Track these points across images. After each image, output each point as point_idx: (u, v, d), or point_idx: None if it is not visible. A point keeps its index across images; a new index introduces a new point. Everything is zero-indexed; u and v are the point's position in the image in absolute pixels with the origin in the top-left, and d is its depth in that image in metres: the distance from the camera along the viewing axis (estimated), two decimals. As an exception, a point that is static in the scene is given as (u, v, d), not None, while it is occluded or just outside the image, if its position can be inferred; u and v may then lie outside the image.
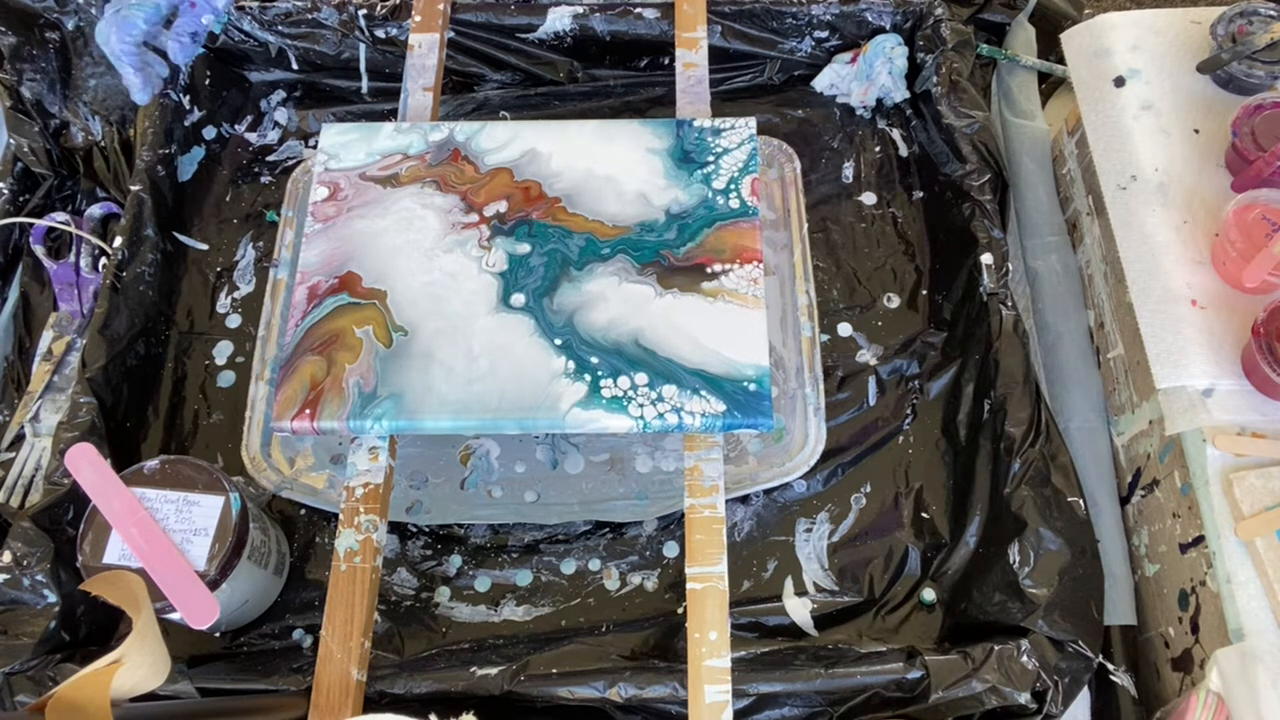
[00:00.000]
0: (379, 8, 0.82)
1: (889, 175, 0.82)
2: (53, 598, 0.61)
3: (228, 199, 0.82)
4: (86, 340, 0.69)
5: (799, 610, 0.65)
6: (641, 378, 0.60)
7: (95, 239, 0.79)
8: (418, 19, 0.79)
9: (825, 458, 0.68)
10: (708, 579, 0.57)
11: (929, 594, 0.66)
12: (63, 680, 0.48)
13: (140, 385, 0.73)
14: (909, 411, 0.71)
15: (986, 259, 0.70)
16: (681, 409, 0.59)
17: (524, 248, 0.65)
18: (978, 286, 0.70)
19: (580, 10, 0.81)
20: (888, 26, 0.83)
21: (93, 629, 0.63)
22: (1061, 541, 0.61)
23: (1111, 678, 0.63)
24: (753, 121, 0.70)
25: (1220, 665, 0.54)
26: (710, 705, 0.54)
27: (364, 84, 0.86)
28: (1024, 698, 0.57)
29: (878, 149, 0.83)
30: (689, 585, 0.57)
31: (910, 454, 0.70)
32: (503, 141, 0.70)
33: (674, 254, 0.65)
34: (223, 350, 0.75)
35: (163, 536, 0.57)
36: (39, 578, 0.61)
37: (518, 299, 0.63)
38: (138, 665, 0.49)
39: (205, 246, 0.80)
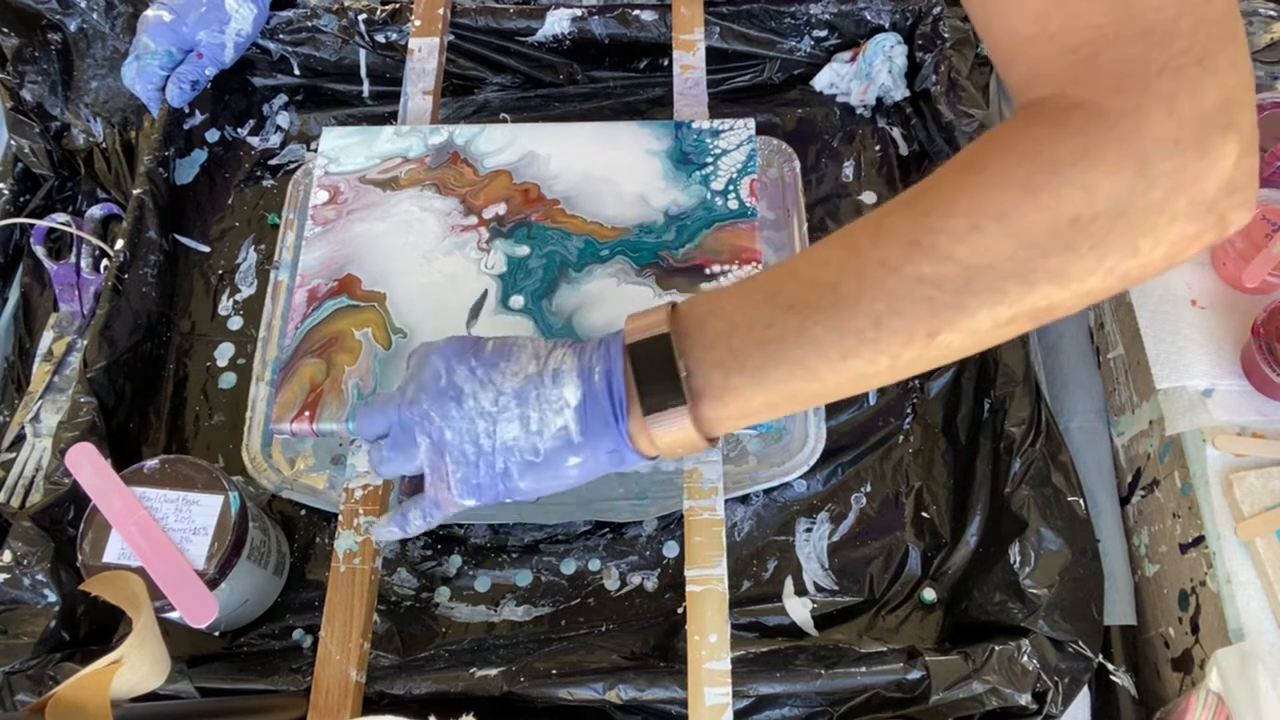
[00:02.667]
0: (379, 13, 0.83)
1: (889, 174, 0.82)
2: (53, 597, 0.61)
3: (229, 202, 0.83)
4: (88, 340, 0.70)
5: (799, 610, 0.65)
6: (640, 378, 0.60)
7: (96, 240, 0.80)
8: (417, 23, 0.79)
9: (825, 457, 0.68)
10: (707, 581, 0.57)
11: (929, 594, 0.65)
12: (63, 680, 0.49)
13: (141, 386, 0.73)
14: (909, 411, 0.71)
15: (986, 259, 0.70)
16: (680, 409, 0.59)
17: (523, 250, 0.65)
18: (977, 286, 0.70)
19: (578, 13, 0.82)
20: (887, 25, 0.83)
21: (93, 629, 0.63)
22: (1062, 541, 0.61)
23: (1111, 678, 0.63)
24: (751, 122, 0.70)
25: (1220, 665, 0.54)
26: (710, 708, 0.54)
27: (365, 88, 0.86)
28: (1025, 699, 0.57)
29: (878, 148, 0.83)
30: (688, 588, 0.57)
31: (910, 453, 0.70)
32: (502, 144, 0.70)
33: (673, 255, 0.65)
34: (224, 352, 0.76)
35: (162, 536, 0.57)
36: (39, 577, 0.61)
37: (516, 301, 0.63)
38: (138, 665, 0.50)
39: (207, 249, 0.80)
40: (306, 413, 0.60)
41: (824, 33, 0.84)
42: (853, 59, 0.83)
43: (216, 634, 0.65)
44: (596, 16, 0.82)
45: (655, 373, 0.44)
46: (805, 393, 0.43)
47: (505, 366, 0.47)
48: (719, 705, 0.54)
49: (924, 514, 0.68)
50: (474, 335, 0.49)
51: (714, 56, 0.82)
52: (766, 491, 0.68)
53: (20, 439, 0.74)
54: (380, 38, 0.83)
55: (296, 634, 0.65)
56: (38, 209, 0.82)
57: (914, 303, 0.40)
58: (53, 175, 0.83)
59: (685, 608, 0.57)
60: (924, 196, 0.41)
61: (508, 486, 0.47)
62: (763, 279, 0.45)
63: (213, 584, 0.57)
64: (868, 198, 0.80)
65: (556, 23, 0.82)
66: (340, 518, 0.60)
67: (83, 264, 0.79)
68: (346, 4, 0.83)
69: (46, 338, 0.77)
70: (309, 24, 0.83)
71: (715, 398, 0.43)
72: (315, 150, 0.80)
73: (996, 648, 0.57)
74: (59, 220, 0.80)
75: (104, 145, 0.84)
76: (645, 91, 0.86)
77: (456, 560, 0.68)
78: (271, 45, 0.84)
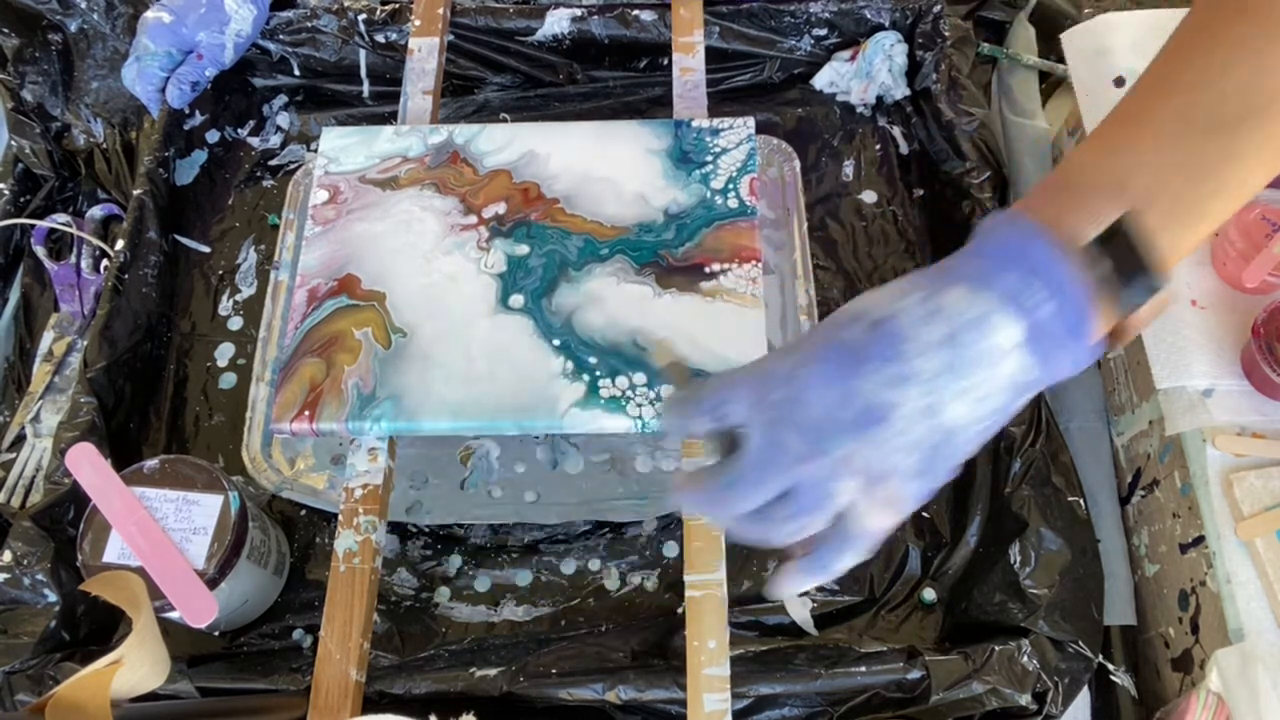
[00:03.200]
0: (379, 13, 0.83)
1: (889, 173, 0.81)
2: (53, 597, 0.61)
3: (230, 202, 0.83)
4: (88, 341, 0.70)
5: (799, 610, 0.65)
6: (640, 378, 0.60)
7: (96, 240, 0.80)
8: (417, 23, 0.79)
9: (825, 458, 0.68)
10: (706, 586, 0.57)
11: (929, 594, 0.65)
12: (63, 680, 0.49)
13: (141, 386, 0.73)
14: (909, 411, 0.71)
15: (986, 258, 0.70)
16: (680, 409, 0.59)
17: (522, 249, 0.65)
18: (977, 286, 0.70)
19: (578, 13, 0.82)
20: (887, 23, 0.83)
21: (93, 629, 0.63)
22: (1062, 541, 0.61)
23: (1111, 678, 0.63)
24: (751, 121, 0.70)
25: (1220, 665, 0.54)
26: (710, 714, 0.54)
27: (365, 88, 0.86)
28: (1025, 699, 0.57)
29: (878, 147, 0.83)
30: (688, 593, 0.57)
31: (910, 454, 0.70)
32: (501, 144, 0.70)
33: (672, 254, 0.65)
34: (224, 352, 0.76)
35: (162, 535, 0.57)
36: (39, 577, 0.61)
37: (516, 300, 0.63)
38: (138, 665, 0.50)
39: (207, 249, 0.80)
40: (306, 412, 0.60)
41: (824, 31, 0.84)
42: (853, 58, 0.83)
43: (216, 634, 0.65)
44: (596, 16, 0.82)
45: (1125, 265, 0.37)
46: (1231, 213, 0.40)
47: (910, 348, 0.37)
48: (718, 711, 0.54)
49: (924, 514, 0.68)
50: (804, 339, 0.40)
51: (714, 56, 0.82)
52: (766, 491, 0.68)
53: (20, 439, 0.74)
54: (380, 38, 0.83)
55: (296, 634, 0.65)
56: (38, 209, 0.82)
57: None
58: (53, 176, 0.83)
59: (684, 608, 0.57)
60: None
61: (954, 466, 0.39)
62: (1159, 108, 0.39)
63: (213, 584, 0.57)
64: (868, 196, 0.80)
65: (556, 23, 0.82)
66: (340, 518, 0.60)
67: (83, 264, 0.79)
68: (346, 4, 0.83)
69: (47, 338, 0.77)
70: (309, 24, 0.83)
71: (1172, 252, 0.38)
72: (315, 150, 0.80)
73: (996, 648, 0.57)
74: (59, 221, 0.80)
75: (104, 146, 0.84)
76: (645, 91, 0.86)
77: (456, 560, 0.68)
78: (271, 46, 0.84)
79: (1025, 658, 0.57)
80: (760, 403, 0.39)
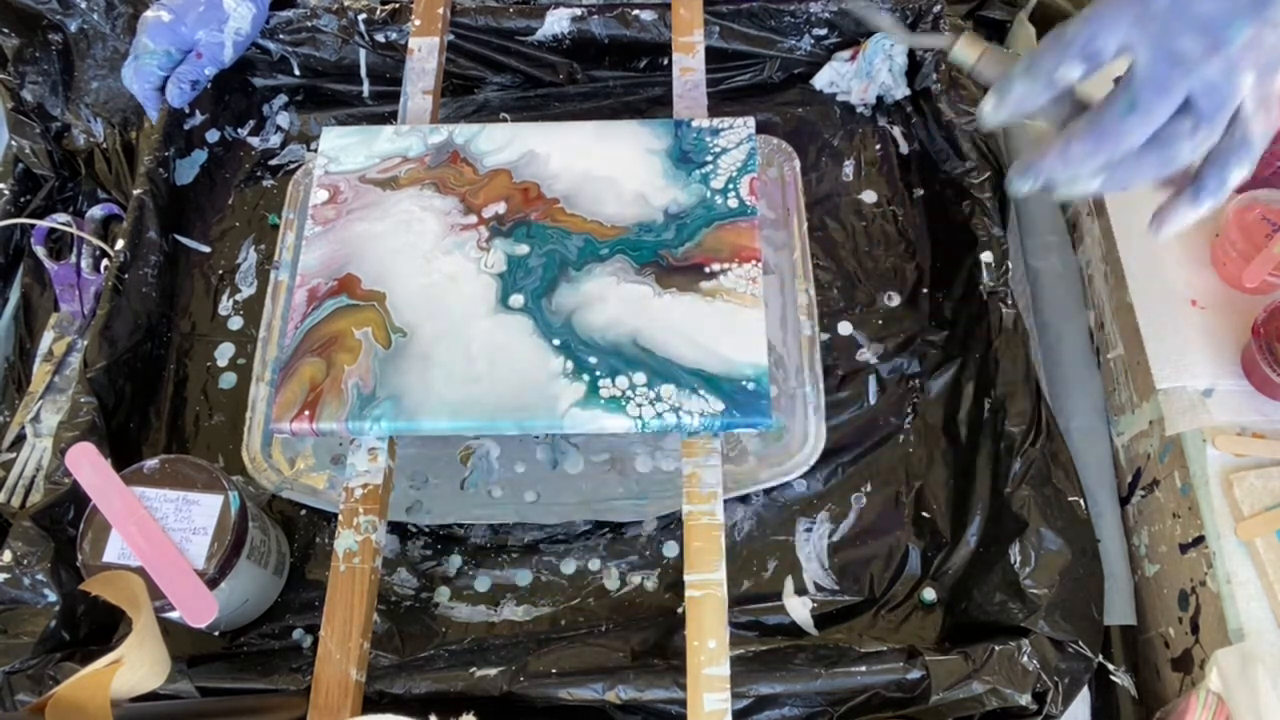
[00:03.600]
0: (379, 13, 0.83)
1: (889, 173, 0.81)
2: (53, 597, 0.61)
3: (230, 202, 0.83)
4: (88, 340, 0.70)
5: (799, 610, 0.65)
6: (640, 377, 0.60)
7: (96, 240, 0.80)
8: (417, 23, 0.79)
9: (825, 457, 0.68)
10: (706, 586, 0.57)
11: (929, 594, 0.65)
12: (63, 680, 0.49)
13: (142, 386, 0.73)
14: (909, 410, 0.71)
15: (986, 257, 0.70)
16: (680, 408, 0.59)
17: (522, 249, 0.65)
18: (978, 284, 0.70)
19: (578, 13, 0.82)
20: (887, 25, 0.83)
21: (93, 628, 0.63)
22: (1062, 542, 0.60)
23: (1111, 678, 0.63)
24: (751, 121, 0.70)
25: (1220, 665, 0.54)
26: (710, 713, 0.54)
27: (365, 88, 0.86)
28: (1025, 699, 0.57)
29: (878, 147, 0.83)
30: (688, 593, 0.57)
31: (911, 453, 0.70)
32: (501, 143, 0.70)
33: (672, 254, 0.65)
34: (224, 352, 0.76)
35: (162, 535, 0.57)
36: (39, 577, 0.61)
37: (516, 300, 0.63)
38: (138, 665, 0.50)
39: (207, 249, 0.80)
40: (306, 412, 0.60)
41: (824, 31, 0.84)
42: (853, 58, 0.83)
43: (216, 634, 0.65)
44: (596, 16, 0.82)
45: None
46: None
47: None
48: (718, 711, 0.54)
49: (924, 514, 0.68)
50: None
51: (714, 56, 0.82)
52: (766, 491, 0.68)
53: (20, 439, 0.74)
54: (380, 37, 0.83)
55: (296, 634, 0.65)
56: (38, 209, 0.82)
57: None
58: (53, 175, 0.83)
59: (684, 608, 0.57)
60: None
61: None
62: None
63: (213, 584, 0.57)
64: (868, 196, 0.80)
65: (556, 22, 0.82)
66: (340, 518, 0.60)
67: (83, 264, 0.79)
68: (346, 4, 0.83)
69: (47, 338, 0.78)
70: (309, 24, 0.83)
71: None
72: (315, 150, 0.80)
73: (996, 648, 0.57)
74: (59, 220, 0.80)
75: (104, 145, 0.84)
76: (645, 91, 0.86)
77: (456, 560, 0.68)
78: (271, 45, 0.84)
79: (1025, 658, 0.57)
80: (1143, 16, 0.39)
